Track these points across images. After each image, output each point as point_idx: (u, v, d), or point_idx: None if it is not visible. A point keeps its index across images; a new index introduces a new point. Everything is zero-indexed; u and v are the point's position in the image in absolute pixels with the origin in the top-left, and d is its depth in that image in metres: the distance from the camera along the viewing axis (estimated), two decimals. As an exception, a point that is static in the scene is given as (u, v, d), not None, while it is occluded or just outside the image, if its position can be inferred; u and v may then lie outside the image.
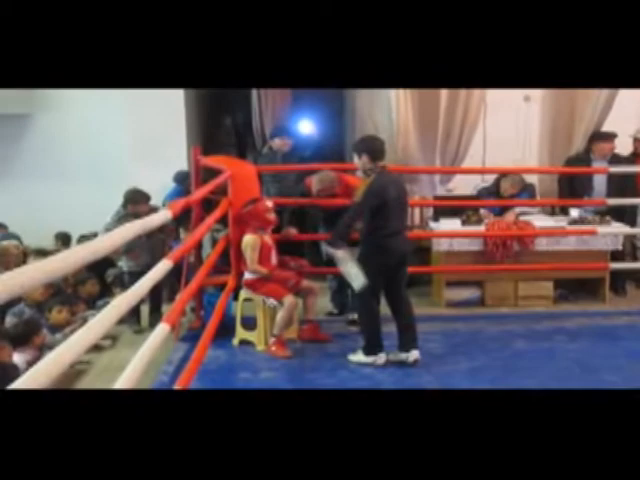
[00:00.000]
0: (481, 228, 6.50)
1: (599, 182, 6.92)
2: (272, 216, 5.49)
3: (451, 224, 6.60)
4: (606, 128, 7.12)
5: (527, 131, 7.56)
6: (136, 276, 3.65)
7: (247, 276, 5.45)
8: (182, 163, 7.17)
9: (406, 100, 6.76)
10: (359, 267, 4.79)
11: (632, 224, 6.84)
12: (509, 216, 6.70)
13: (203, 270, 4.95)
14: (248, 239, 5.38)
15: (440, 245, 6.51)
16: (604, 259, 6.57)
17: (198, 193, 4.93)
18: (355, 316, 5.57)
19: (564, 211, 7.02)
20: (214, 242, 6.54)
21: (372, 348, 5.01)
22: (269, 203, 5.50)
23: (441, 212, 6.77)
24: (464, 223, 6.60)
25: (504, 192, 6.84)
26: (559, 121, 7.37)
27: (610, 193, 6.81)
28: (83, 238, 6.67)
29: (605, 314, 6.32)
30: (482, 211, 6.72)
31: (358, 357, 5.05)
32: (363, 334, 5.09)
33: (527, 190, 6.94)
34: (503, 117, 7.40)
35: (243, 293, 5.57)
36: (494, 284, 6.57)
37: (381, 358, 4.99)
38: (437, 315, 6.31)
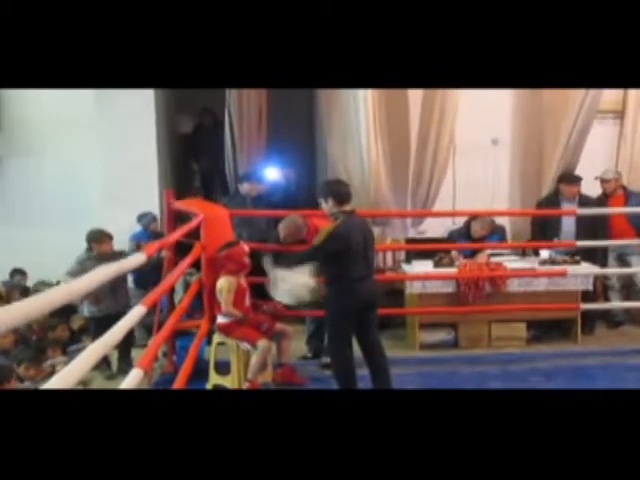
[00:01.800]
0: (453, 270, 6.52)
1: (568, 223, 7.01)
2: (247, 260, 5.45)
3: (423, 266, 6.62)
4: (579, 171, 7.25)
5: (496, 174, 7.63)
6: (100, 322, 3.49)
7: (220, 320, 5.38)
8: (154, 207, 7.12)
9: (377, 143, 6.82)
10: (293, 287, 4.89)
11: (603, 264, 6.91)
12: (481, 258, 6.72)
13: (176, 314, 4.88)
14: (223, 281, 5.33)
15: (413, 287, 6.51)
16: (575, 299, 6.58)
17: (172, 236, 4.88)
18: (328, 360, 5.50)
19: (536, 252, 7.05)
20: (187, 286, 6.46)
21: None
22: (245, 247, 5.46)
23: (413, 254, 6.78)
24: (436, 265, 6.62)
25: (474, 234, 6.87)
26: (528, 164, 7.49)
27: (579, 234, 6.89)
28: (41, 284, 6.60)
29: (578, 354, 6.32)
30: (453, 253, 6.73)
31: None
32: (335, 379, 4.97)
33: (497, 232, 6.99)
34: (472, 160, 7.49)
35: (216, 337, 5.49)
36: (468, 325, 6.57)
37: None
38: (411, 357, 6.29)
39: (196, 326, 5.64)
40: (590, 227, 6.95)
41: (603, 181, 7.21)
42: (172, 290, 6.03)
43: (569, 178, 7.16)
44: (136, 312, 3.37)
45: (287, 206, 6.37)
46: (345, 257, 4.69)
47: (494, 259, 6.74)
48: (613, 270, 7.16)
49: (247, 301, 5.48)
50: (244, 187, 6.93)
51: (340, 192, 4.83)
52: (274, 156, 7.70)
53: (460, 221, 7.17)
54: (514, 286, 6.52)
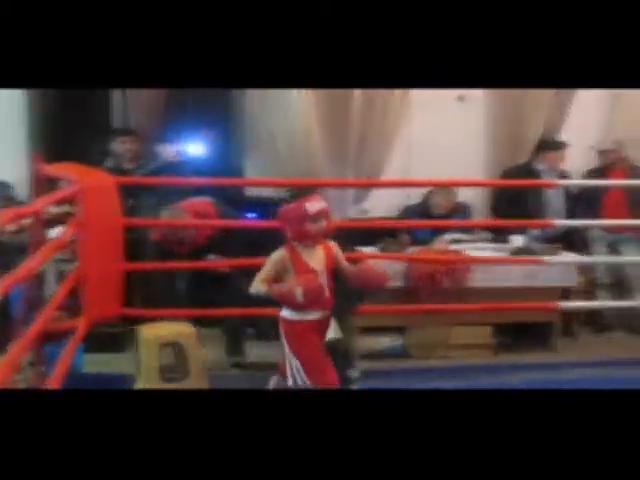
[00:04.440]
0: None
1: (555, 201, 6.97)
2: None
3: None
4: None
5: (464, 137, 7.49)
6: None
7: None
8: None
9: (309, 99, 6.70)
10: None
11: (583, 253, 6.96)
12: (439, 245, 6.61)
13: (45, 313, 4.55)
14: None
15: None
16: (554, 298, 6.42)
17: (35, 204, 4.59)
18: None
19: (503, 239, 6.90)
20: (61, 275, 6.11)
21: None
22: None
23: (354, 239, 6.51)
24: (382, 252, 6.44)
25: (436, 209, 6.79)
26: (503, 125, 7.48)
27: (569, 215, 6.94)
28: None
29: (555, 367, 6.23)
30: (405, 237, 6.52)
31: None
32: None
33: (460, 211, 6.89)
34: (432, 120, 7.30)
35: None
36: (421, 330, 6.44)
37: None
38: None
39: (69, 328, 5.30)
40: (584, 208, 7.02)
41: (600, 152, 7.21)
42: (41, 280, 5.69)
43: (553, 144, 7.14)
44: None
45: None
46: None
47: (455, 247, 6.61)
48: (603, 258, 7.20)
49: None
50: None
51: None
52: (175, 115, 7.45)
53: (416, 196, 7.07)
54: (480, 281, 6.36)
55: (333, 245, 4.47)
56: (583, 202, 7.15)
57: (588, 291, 7.19)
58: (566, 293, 6.63)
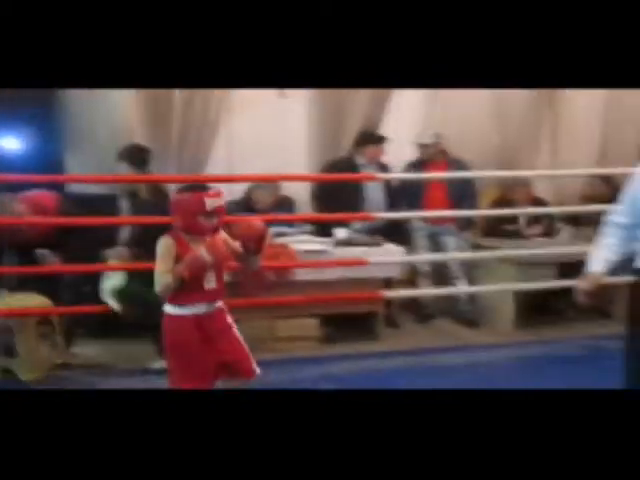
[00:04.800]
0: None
1: (375, 195, 7.05)
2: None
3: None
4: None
5: (286, 133, 7.53)
6: None
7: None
8: None
9: (130, 94, 6.67)
10: None
11: (404, 244, 7.07)
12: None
13: None
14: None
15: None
16: (378, 288, 6.60)
17: None
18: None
19: (325, 231, 6.97)
20: None
21: None
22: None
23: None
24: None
25: (258, 204, 6.86)
26: (326, 120, 7.52)
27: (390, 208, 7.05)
28: None
29: (380, 355, 6.40)
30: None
31: None
32: None
33: (284, 205, 6.97)
34: (254, 116, 7.34)
35: None
36: (246, 324, 6.27)
37: None
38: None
39: None
40: (404, 200, 7.16)
41: (421, 146, 7.37)
42: None
43: (373, 138, 7.25)
44: None
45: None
46: None
47: (279, 240, 6.64)
48: (425, 257, 7.35)
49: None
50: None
51: None
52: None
53: (239, 191, 7.09)
54: (303, 274, 6.47)
55: (222, 237, 4.10)
56: (404, 194, 7.28)
57: (410, 280, 7.41)
58: (389, 283, 6.79)
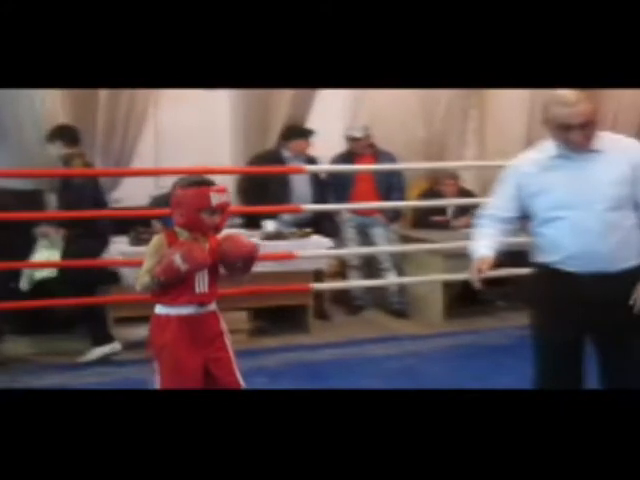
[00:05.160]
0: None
1: (302, 189, 7.07)
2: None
3: (117, 244, 6.44)
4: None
5: (213, 126, 7.54)
6: None
7: None
8: None
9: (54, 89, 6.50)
10: None
11: (333, 236, 7.11)
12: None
13: None
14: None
15: (104, 272, 6.27)
16: (307, 280, 6.64)
17: None
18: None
19: (255, 223, 6.98)
20: None
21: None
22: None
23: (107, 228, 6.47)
24: (133, 242, 6.42)
25: None
26: (251, 113, 7.50)
27: (318, 202, 7.06)
28: None
29: (310, 348, 6.45)
30: (157, 225, 6.51)
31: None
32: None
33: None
34: (180, 109, 7.31)
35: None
36: None
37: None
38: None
39: None
40: (333, 193, 7.22)
41: (350, 139, 7.41)
42: None
43: (298, 131, 7.28)
44: None
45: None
46: None
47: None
48: (354, 249, 7.41)
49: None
50: None
51: None
52: None
53: (167, 185, 6.91)
54: (231, 267, 6.40)
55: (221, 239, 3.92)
56: (333, 187, 7.34)
57: (340, 273, 7.47)
58: (319, 275, 6.83)
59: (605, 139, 3.55)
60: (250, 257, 3.86)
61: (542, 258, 3.69)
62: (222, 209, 3.75)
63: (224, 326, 4.05)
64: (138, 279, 3.78)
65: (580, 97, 3.44)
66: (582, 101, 3.43)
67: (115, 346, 6.08)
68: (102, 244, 6.16)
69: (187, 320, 3.80)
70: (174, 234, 3.80)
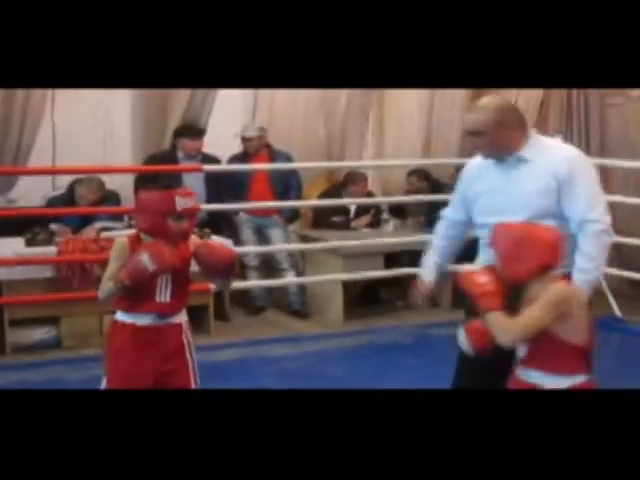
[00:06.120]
0: (52, 248, 6.37)
1: (195, 187, 7.14)
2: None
3: (11, 244, 6.42)
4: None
5: (111, 124, 7.54)
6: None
7: None
8: None
9: None
10: None
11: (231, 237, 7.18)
12: (88, 232, 6.61)
13: None
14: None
15: (-2, 274, 6.22)
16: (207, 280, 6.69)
17: None
18: None
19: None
20: None
21: None
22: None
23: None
24: (29, 243, 6.41)
25: (80, 200, 6.80)
26: (151, 111, 7.54)
27: (212, 201, 7.11)
28: None
29: (213, 348, 6.46)
30: (54, 226, 6.52)
31: None
32: None
33: (110, 199, 6.96)
34: (78, 108, 7.26)
35: None
36: (73, 319, 6.46)
37: None
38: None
39: None
40: (229, 193, 7.27)
41: (244, 139, 7.47)
42: None
43: (191, 131, 7.34)
44: None
45: None
46: None
47: (107, 234, 6.61)
48: (252, 248, 7.47)
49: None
50: None
51: None
52: None
53: (63, 185, 7.02)
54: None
55: (191, 244, 3.74)
56: (228, 187, 7.38)
57: (238, 273, 7.54)
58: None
59: (537, 147, 3.61)
60: (231, 264, 3.76)
61: (478, 262, 3.77)
62: (189, 214, 3.62)
63: (188, 339, 3.83)
64: (101, 286, 3.64)
65: (488, 106, 3.56)
66: (483, 110, 3.56)
67: None
68: None
69: (142, 330, 3.64)
70: (138, 238, 3.66)
